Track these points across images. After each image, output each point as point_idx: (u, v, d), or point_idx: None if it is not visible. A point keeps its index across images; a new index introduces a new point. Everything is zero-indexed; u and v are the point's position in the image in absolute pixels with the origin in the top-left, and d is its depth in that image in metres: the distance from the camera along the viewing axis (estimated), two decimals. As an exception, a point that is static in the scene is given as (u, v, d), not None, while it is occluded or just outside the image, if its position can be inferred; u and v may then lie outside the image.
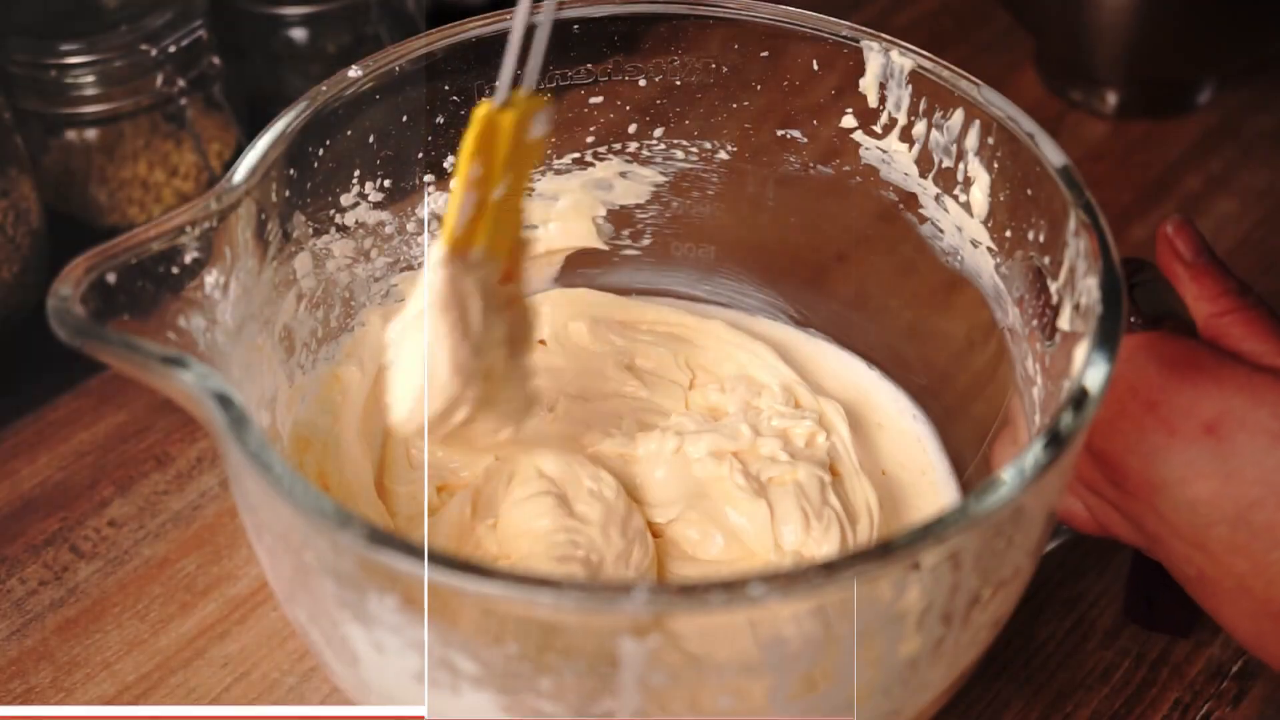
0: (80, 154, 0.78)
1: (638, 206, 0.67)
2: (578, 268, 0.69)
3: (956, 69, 0.58)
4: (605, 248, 0.68)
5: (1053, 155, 0.53)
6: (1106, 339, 0.47)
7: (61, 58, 0.75)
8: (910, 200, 0.61)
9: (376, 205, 0.61)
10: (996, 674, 0.62)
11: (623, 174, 0.66)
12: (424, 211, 0.63)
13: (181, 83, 0.77)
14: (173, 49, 0.77)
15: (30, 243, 0.74)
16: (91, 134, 0.78)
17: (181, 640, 0.64)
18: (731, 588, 0.41)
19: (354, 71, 0.58)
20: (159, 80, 0.77)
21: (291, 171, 0.56)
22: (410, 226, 0.63)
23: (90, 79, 0.76)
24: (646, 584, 0.41)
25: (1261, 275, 0.81)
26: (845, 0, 0.97)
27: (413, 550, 0.42)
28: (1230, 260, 0.81)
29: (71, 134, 0.78)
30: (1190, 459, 0.52)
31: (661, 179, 0.66)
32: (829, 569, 0.42)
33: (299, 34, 0.85)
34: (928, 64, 0.58)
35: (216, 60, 0.79)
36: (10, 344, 0.75)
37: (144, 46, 0.76)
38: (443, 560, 0.42)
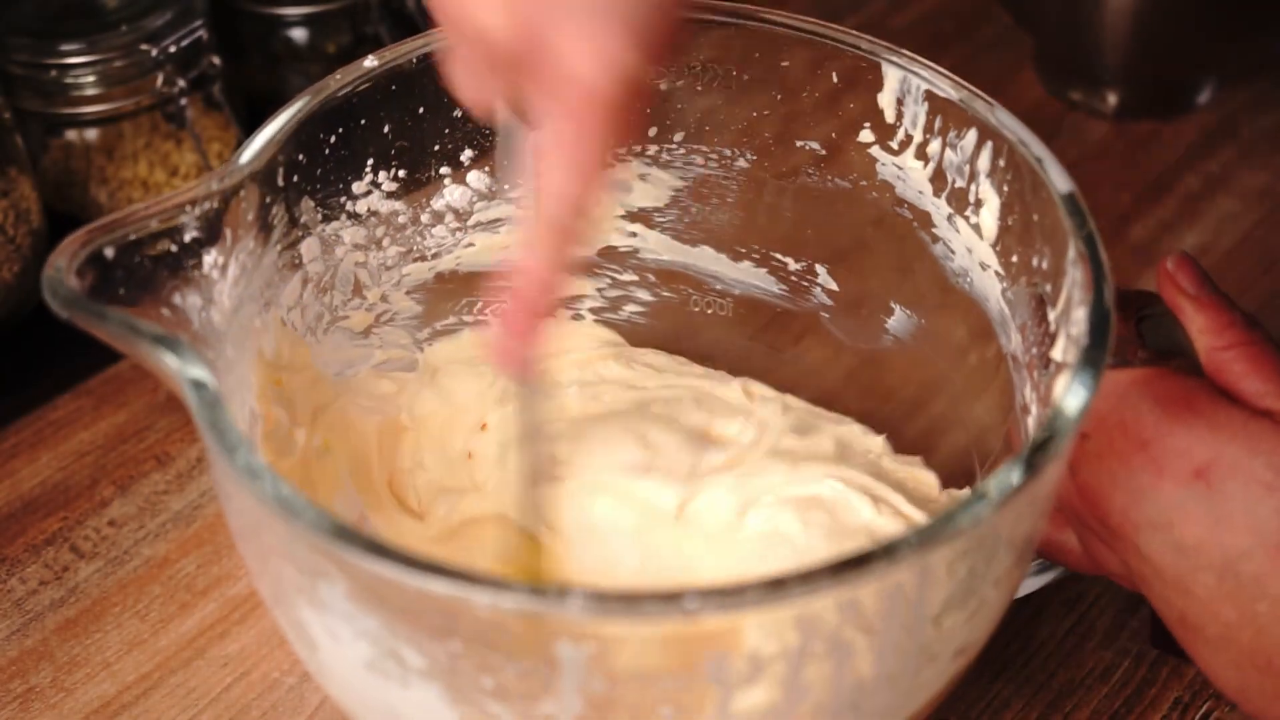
0: (80, 154, 0.78)
1: (656, 210, 0.66)
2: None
3: (973, 88, 0.57)
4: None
5: (1059, 182, 0.52)
6: (1088, 368, 0.47)
7: (61, 58, 0.76)
8: (924, 219, 0.61)
9: (390, 195, 0.61)
10: (996, 674, 0.62)
11: (642, 176, 0.65)
12: (440, 203, 0.63)
13: (181, 83, 0.77)
14: (173, 49, 0.77)
15: (30, 243, 0.74)
16: (91, 134, 0.78)
17: (181, 640, 0.64)
18: (668, 599, 0.41)
19: (369, 62, 0.58)
20: (159, 80, 0.77)
21: (300, 157, 0.56)
22: (425, 217, 0.63)
23: (90, 79, 0.76)
24: (583, 590, 0.41)
25: (1262, 275, 0.81)
26: (845, 1, 0.98)
27: (356, 540, 0.42)
28: (1230, 260, 0.82)
29: (71, 134, 0.78)
30: (1178, 502, 0.51)
31: (680, 184, 0.66)
32: (773, 585, 0.41)
33: (299, 34, 0.85)
34: (944, 82, 0.57)
35: (216, 60, 0.80)
36: (10, 344, 0.75)
37: (144, 46, 0.76)
38: (382, 553, 0.42)
